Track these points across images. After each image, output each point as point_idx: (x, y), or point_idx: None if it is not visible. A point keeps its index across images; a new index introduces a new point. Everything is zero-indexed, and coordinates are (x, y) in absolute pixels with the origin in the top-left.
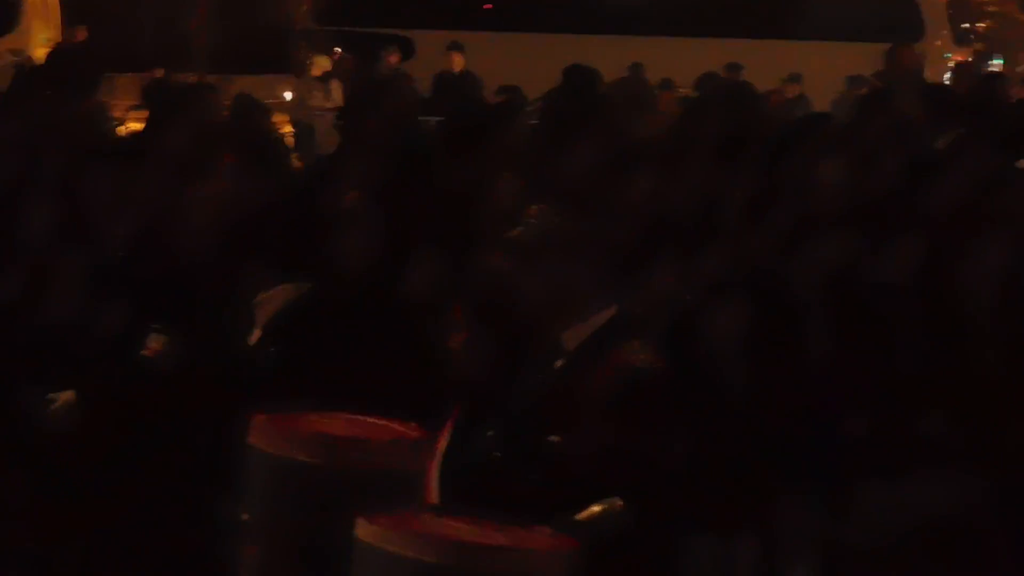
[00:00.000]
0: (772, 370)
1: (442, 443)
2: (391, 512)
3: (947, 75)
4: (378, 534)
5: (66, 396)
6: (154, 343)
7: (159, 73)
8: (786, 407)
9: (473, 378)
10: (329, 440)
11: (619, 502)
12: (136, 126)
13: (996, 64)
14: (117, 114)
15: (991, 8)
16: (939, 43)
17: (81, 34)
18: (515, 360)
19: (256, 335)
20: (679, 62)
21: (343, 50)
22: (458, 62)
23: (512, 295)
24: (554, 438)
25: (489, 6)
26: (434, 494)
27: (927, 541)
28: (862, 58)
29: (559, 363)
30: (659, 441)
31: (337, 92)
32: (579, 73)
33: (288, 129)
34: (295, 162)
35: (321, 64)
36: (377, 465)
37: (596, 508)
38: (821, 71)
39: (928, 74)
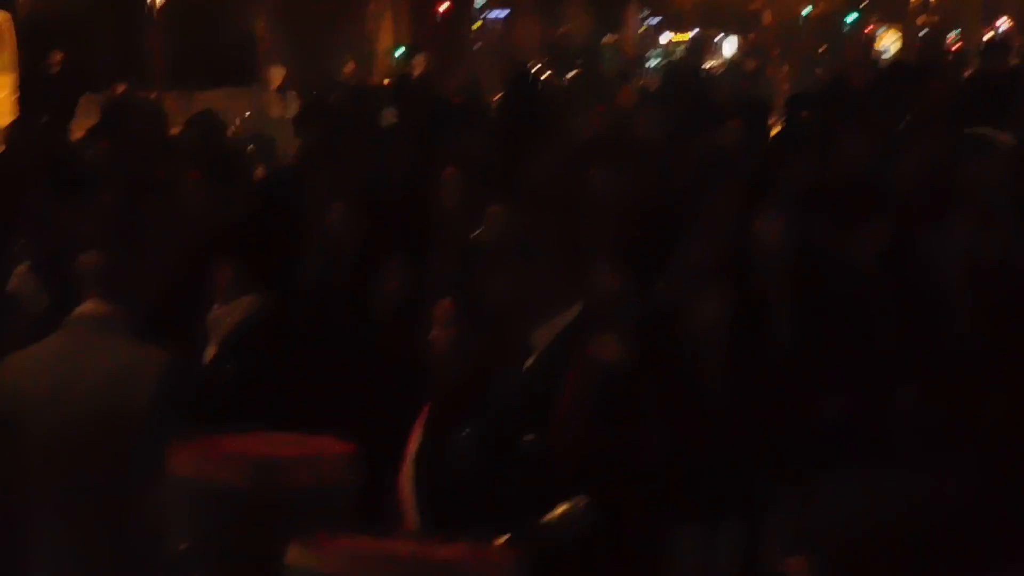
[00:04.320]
0: (747, 357)
1: (413, 445)
2: (324, 535)
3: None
4: (313, 557)
5: None
6: None
7: (120, 88)
8: (763, 393)
9: (455, 376)
10: (260, 462)
11: (583, 501)
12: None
13: (952, 37)
14: (78, 134)
15: None
16: None
17: (57, 57)
18: (488, 360)
19: (213, 351)
20: None
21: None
22: (419, 65)
23: (479, 296)
24: (529, 437)
25: None
26: (407, 497)
27: (910, 528)
28: None
29: (529, 362)
30: (635, 433)
31: (294, 103)
32: (523, 76)
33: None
34: (257, 174)
35: (278, 74)
36: (312, 483)
37: (560, 509)
38: None
39: None
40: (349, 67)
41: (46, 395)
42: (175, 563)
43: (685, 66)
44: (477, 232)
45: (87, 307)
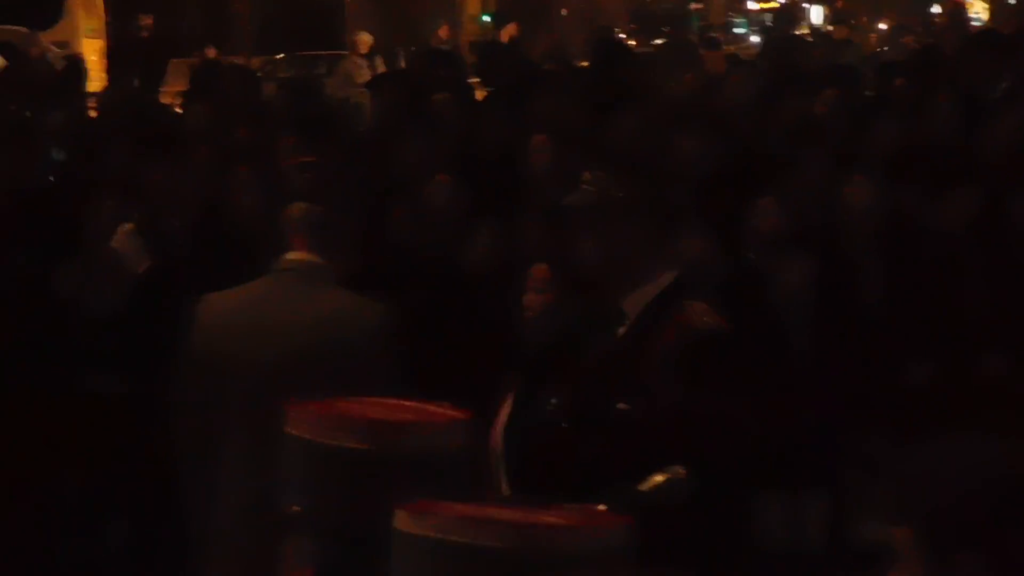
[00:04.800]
0: (834, 323)
1: (504, 412)
2: (430, 500)
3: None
4: (420, 522)
5: None
6: None
7: (211, 53)
8: (851, 359)
9: (548, 341)
10: (378, 425)
11: (681, 470)
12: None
13: None
14: (167, 100)
15: None
16: None
17: (147, 22)
18: (580, 327)
19: None
20: None
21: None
22: (508, 32)
23: (571, 261)
24: (622, 405)
25: None
26: (496, 464)
27: (998, 496)
28: None
29: (622, 329)
30: (728, 401)
31: (381, 69)
32: (608, 42)
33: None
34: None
35: (365, 40)
36: (429, 448)
37: (658, 477)
38: None
39: None
40: (443, 31)
41: (257, 333)
42: (287, 524)
43: (781, 33)
44: (569, 198)
45: (295, 256)
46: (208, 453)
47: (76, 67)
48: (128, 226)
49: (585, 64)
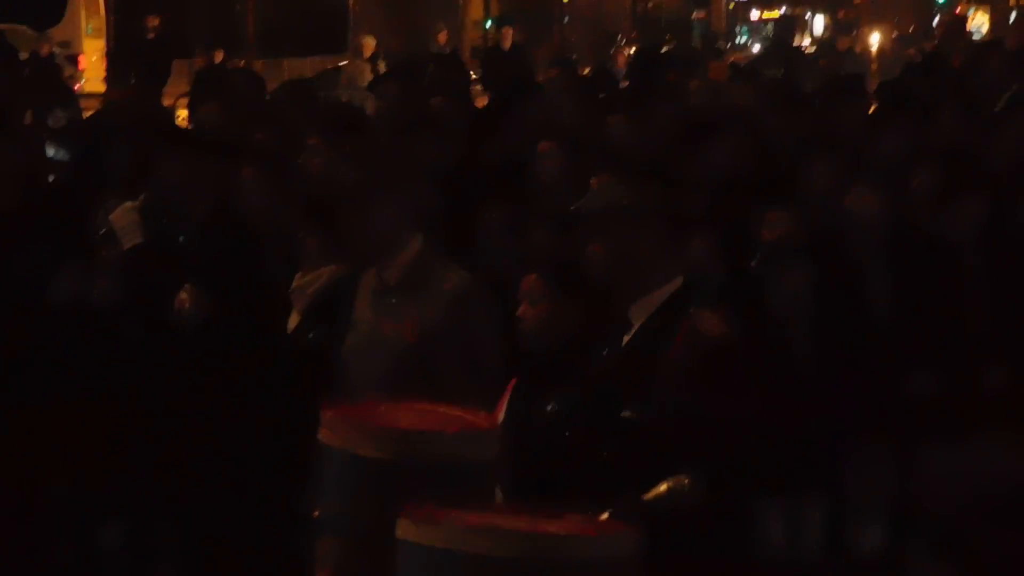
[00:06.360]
0: (836, 330)
1: (498, 418)
2: (433, 507)
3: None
4: (425, 531)
5: None
6: (184, 296)
7: (218, 57)
8: (851, 366)
9: (544, 350)
10: (398, 434)
11: (686, 479)
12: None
13: None
14: (168, 101)
15: None
16: None
17: (154, 23)
18: (582, 333)
19: (296, 320)
20: None
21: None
22: (507, 36)
23: (581, 267)
24: (628, 413)
25: None
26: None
27: (997, 505)
28: None
29: (628, 336)
30: (734, 408)
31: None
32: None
33: None
34: None
35: (369, 44)
36: (448, 458)
37: (663, 486)
38: None
39: None
40: (442, 36)
41: None
42: (312, 527)
43: (782, 43)
44: (576, 204)
45: None
46: None
47: (48, 67)
48: (130, 204)
49: (587, 71)
